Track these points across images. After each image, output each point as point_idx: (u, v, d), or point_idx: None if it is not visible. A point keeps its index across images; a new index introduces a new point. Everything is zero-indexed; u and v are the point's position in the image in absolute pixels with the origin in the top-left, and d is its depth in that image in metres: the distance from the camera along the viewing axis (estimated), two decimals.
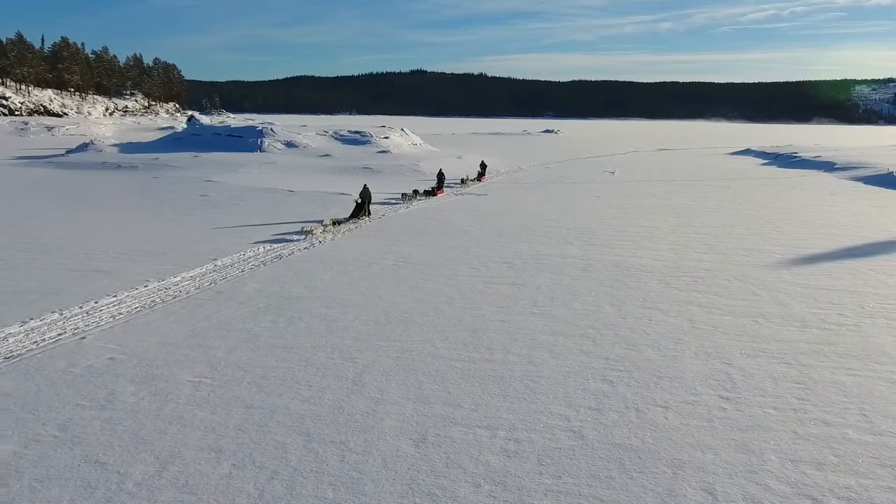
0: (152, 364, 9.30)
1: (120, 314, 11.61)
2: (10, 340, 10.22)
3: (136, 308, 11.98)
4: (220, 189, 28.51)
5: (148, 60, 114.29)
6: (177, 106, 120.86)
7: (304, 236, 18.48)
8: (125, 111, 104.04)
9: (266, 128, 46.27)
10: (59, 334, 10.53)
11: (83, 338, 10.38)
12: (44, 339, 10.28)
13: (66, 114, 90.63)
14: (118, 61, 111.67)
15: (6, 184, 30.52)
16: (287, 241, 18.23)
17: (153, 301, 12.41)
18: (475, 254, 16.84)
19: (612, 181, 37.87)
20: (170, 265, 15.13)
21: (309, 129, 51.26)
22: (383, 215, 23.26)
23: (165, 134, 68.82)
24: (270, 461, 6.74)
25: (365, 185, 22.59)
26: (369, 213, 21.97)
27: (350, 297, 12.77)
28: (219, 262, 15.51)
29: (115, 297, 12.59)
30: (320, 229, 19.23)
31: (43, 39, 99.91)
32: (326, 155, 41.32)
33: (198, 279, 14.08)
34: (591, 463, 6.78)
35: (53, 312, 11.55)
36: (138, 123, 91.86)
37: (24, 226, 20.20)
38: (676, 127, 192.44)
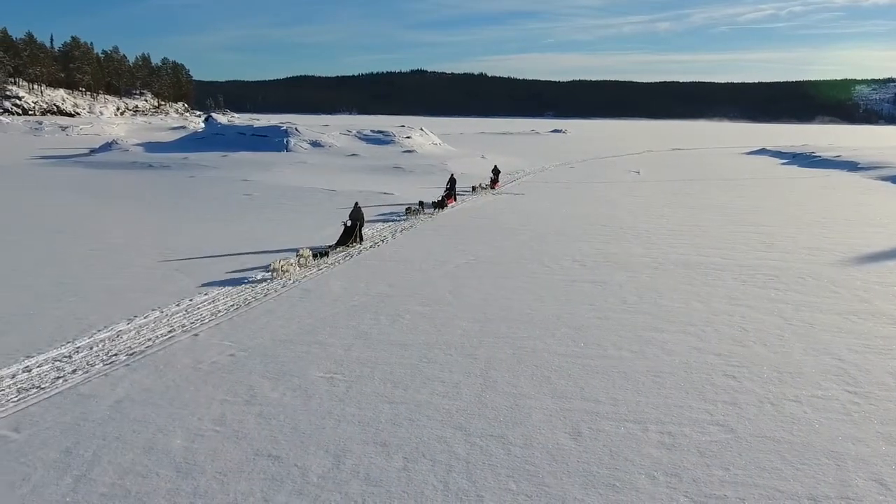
0: (276, 360, 9.42)
1: (219, 311, 11.74)
2: (125, 338, 10.35)
3: (232, 306, 12.11)
4: (261, 189, 28.62)
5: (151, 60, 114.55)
6: (185, 106, 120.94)
7: (270, 274, 14.07)
8: (136, 111, 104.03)
9: (290, 127, 46.41)
10: (170, 331, 10.65)
11: (196, 335, 10.51)
12: (156, 336, 10.41)
13: (78, 113, 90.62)
14: (128, 61, 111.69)
15: (46, 185, 30.61)
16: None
17: (246, 299, 12.53)
18: (541, 252, 16.96)
19: (641, 180, 38.02)
20: (246, 264, 15.23)
21: (331, 128, 51.45)
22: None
23: (179, 133, 68.94)
24: (439, 454, 6.87)
25: (356, 204, 18.42)
26: (361, 239, 17.93)
27: (439, 295, 12.89)
28: (292, 260, 15.59)
29: (206, 294, 12.72)
30: (294, 264, 14.60)
31: (52, 39, 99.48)
32: (354, 154, 41.46)
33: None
34: (753, 455, 6.91)
35: (154, 310, 11.67)
36: (149, 123, 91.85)
37: (86, 226, 20.33)
38: (680, 126, 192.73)
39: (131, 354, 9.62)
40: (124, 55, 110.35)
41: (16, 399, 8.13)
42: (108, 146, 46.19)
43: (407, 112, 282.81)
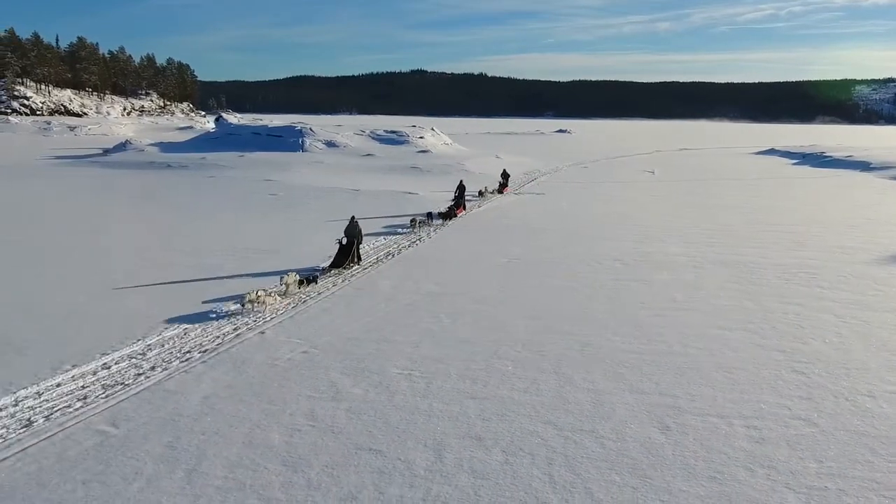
0: (350, 357, 9.56)
1: (278, 310, 11.87)
2: (192, 335, 10.48)
3: (289, 303, 12.24)
4: (285, 189, 28.70)
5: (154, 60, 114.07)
6: (191, 106, 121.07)
7: (249, 306, 11.63)
8: (142, 111, 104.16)
9: (305, 128, 46.54)
10: (235, 329, 10.79)
11: (262, 332, 10.64)
12: (224, 334, 10.54)
13: (85, 113, 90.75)
14: (133, 61, 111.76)
15: (68, 185, 30.66)
16: (398, 233, 18.54)
17: (301, 297, 12.66)
18: (577, 251, 17.10)
19: (656, 180, 38.19)
20: (290, 264, 15.31)
21: (345, 128, 51.58)
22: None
23: (187, 133, 69.01)
24: (537, 448, 7.01)
25: (352, 219, 16.11)
26: (359, 259, 15.75)
27: (489, 294, 13.03)
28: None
29: (261, 293, 12.80)
30: (275, 295, 12.28)
31: (58, 39, 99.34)
32: (369, 154, 41.58)
33: (329, 276, 14.32)
34: (841, 448, 7.06)
35: (213, 309, 11.79)
36: (156, 123, 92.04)
37: (120, 226, 20.49)
38: (682, 126, 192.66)
39: (204, 351, 9.76)
40: (130, 55, 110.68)
41: (104, 395, 8.27)
42: (122, 146, 46.24)
43: (407, 112, 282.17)
